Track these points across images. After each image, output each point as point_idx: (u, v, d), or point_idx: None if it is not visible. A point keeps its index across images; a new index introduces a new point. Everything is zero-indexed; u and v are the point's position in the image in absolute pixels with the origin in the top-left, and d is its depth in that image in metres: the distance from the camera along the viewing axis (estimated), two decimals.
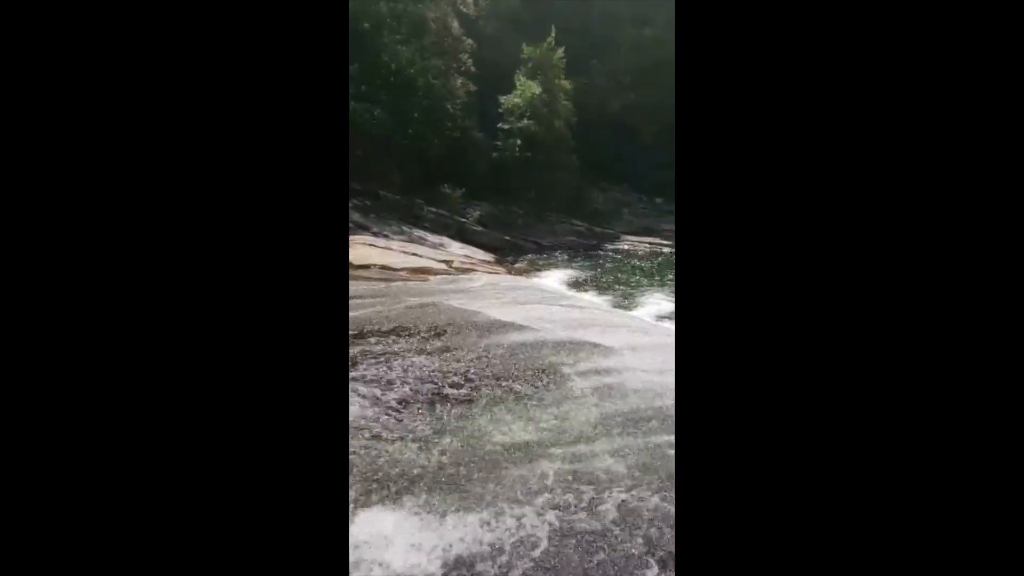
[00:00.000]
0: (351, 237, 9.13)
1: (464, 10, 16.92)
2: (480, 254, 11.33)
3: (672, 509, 1.89)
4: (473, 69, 16.12)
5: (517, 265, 11.34)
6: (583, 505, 1.93)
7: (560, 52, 16.55)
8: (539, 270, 10.75)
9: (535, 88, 16.26)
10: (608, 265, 11.80)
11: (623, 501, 1.96)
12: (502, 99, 16.45)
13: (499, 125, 16.46)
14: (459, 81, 15.68)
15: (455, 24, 16.06)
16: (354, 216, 11.04)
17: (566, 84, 16.91)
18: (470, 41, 16.31)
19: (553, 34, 16.54)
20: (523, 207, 15.65)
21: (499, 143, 16.40)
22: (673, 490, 2.00)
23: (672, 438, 2.36)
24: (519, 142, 16.14)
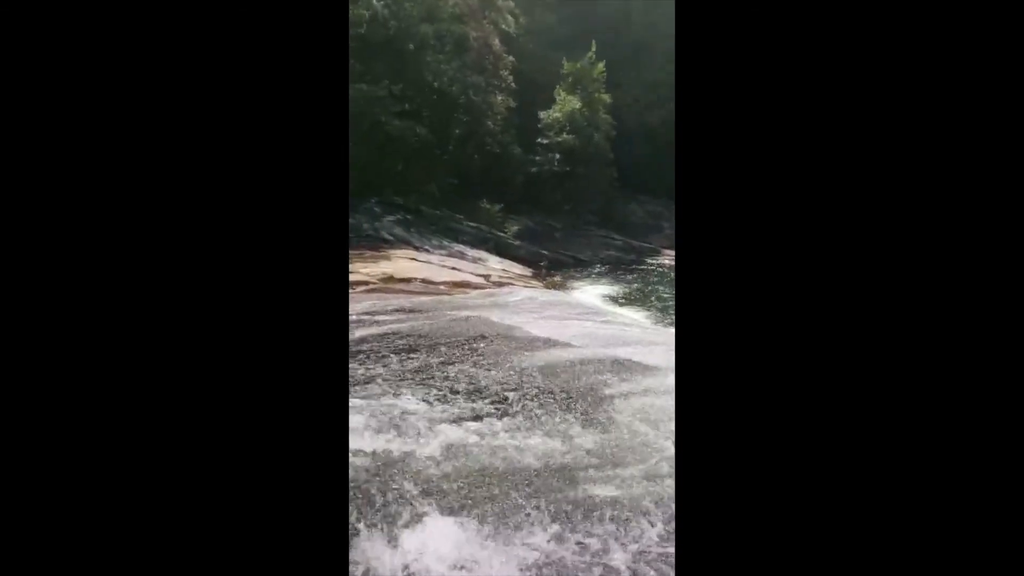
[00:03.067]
0: (393, 251, 9.33)
1: (505, 28, 17.20)
2: (517, 268, 11.35)
3: None
4: (513, 85, 16.33)
5: (555, 279, 11.30)
6: (621, 530, 1.88)
7: (600, 66, 16.55)
8: (577, 284, 10.68)
9: (575, 103, 16.28)
10: (649, 280, 11.61)
11: (662, 526, 1.89)
12: (542, 114, 16.54)
13: (538, 140, 16.55)
14: (499, 98, 15.91)
15: (496, 42, 16.33)
16: (396, 230, 11.38)
17: (606, 98, 16.87)
18: (511, 58, 16.56)
19: (594, 48, 16.59)
20: (561, 221, 15.62)
21: (538, 157, 16.47)
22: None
23: None
24: (558, 156, 16.17)
